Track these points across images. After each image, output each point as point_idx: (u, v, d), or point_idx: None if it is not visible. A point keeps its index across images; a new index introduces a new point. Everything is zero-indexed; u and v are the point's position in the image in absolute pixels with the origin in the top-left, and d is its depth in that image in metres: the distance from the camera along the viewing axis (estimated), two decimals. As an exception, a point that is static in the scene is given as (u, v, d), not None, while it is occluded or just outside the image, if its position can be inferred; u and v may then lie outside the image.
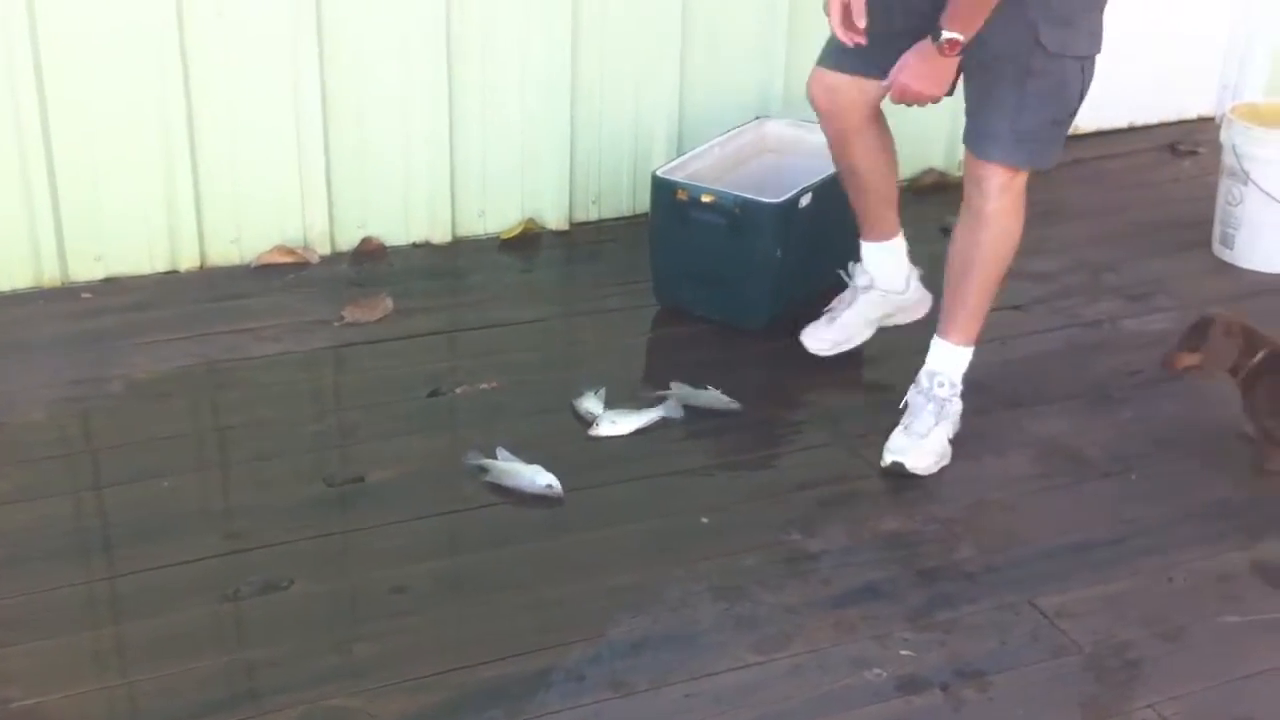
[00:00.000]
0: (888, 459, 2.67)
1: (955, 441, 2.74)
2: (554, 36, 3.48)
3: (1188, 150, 4.24)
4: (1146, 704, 2.16)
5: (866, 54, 2.66)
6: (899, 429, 2.71)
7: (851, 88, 2.77)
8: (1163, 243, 3.72)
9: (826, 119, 2.85)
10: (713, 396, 2.89)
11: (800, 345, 3.03)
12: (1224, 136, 3.59)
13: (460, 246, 3.57)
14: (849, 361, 3.07)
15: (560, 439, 2.76)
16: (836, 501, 2.62)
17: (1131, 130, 4.41)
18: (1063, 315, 3.38)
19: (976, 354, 2.79)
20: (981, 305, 2.73)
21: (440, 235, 3.57)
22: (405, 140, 3.47)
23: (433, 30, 3.38)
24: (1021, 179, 2.65)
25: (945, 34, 2.46)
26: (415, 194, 3.52)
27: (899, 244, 3.03)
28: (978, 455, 2.76)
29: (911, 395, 2.75)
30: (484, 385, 2.95)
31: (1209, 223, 3.67)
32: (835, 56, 2.76)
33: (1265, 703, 2.18)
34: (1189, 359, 2.73)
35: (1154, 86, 4.38)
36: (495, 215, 3.62)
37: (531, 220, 3.65)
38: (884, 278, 3.02)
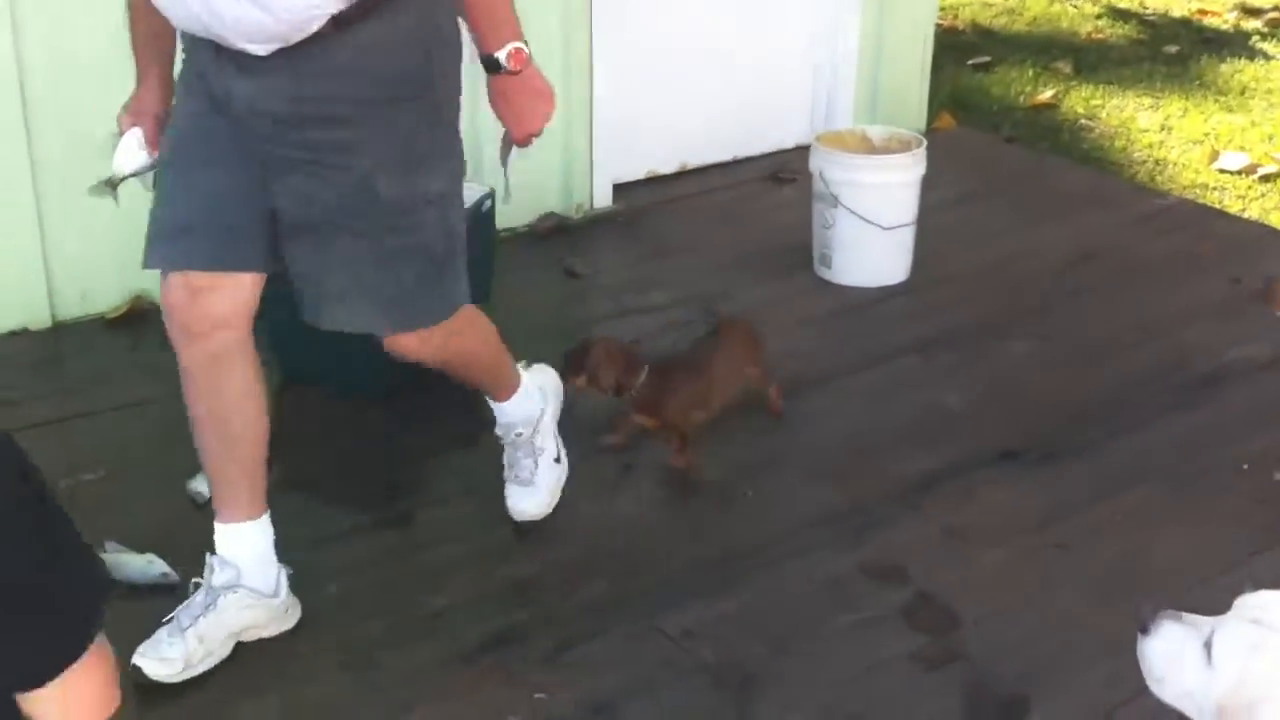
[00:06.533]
0: (511, 510, 2.68)
1: (569, 481, 2.73)
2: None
3: (788, 178, 4.44)
4: (777, 712, 2.24)
5: (244, 239, 2.13)
6: (508, 483, 2.69)
7: (229, 291, 2.15)
8: (769, 267, 3.88)
9: (194, 340, 2.18)
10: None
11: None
12: (812, 164, 3.78)
13: (62, 331, 3.40)
14: (464, 419, 2.94)
15: (177, 524, 2.65)
16: (461, 557, 2.62)
17: (735, 163, 4.59)
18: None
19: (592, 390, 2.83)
20: (499, 375, 2.58)
21: (38, 321, 3.39)
22: (-11, 225, 3.28)
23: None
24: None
25: (509, 47, 2.07)
26: (3, 279, 3.33)
27: (267, 523, 2.35)
28: (594, 493, 2.80)
29: (504, 449, 2.69)
30: (90, 476, 2.81)
31: (810, 245, 3.85)
32: (202, 249, 2.12)
33: (879, 696, 2.30)
34: (577, 381, 2.79)
35: (753, 119, 4.59)
36: (99, 294, 3.46)
37: (139, 296, 3.50)
38: (253, 573, 2.30)
